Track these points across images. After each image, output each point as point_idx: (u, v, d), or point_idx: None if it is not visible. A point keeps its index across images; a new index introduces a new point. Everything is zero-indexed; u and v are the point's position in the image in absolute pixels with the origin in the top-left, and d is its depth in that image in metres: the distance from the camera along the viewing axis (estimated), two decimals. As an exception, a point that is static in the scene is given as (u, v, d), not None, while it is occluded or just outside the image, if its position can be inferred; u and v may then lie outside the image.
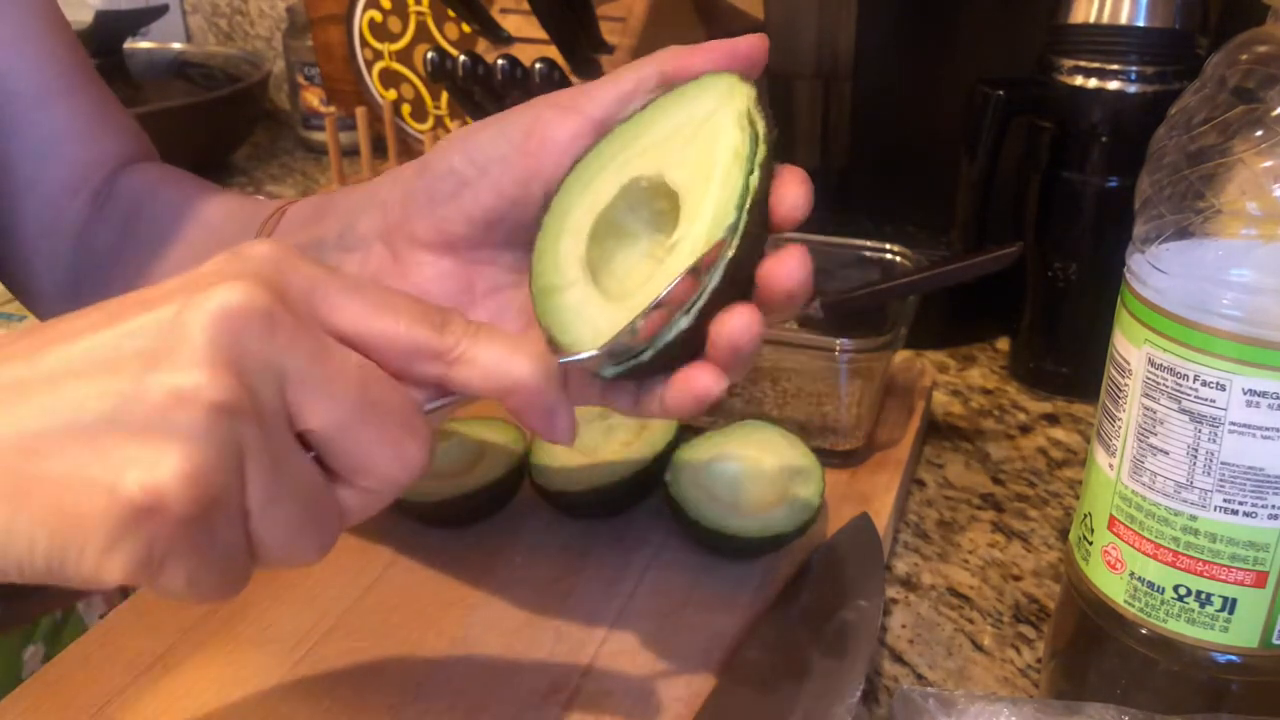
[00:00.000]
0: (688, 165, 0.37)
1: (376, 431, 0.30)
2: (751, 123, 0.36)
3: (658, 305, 0.34)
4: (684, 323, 0.34)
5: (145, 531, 0.26)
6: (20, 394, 0.27)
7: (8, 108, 0.52)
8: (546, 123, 0.38)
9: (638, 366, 0.35)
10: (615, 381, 0.36)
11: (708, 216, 0.35)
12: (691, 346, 0.35)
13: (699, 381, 0.35)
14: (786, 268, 0.34)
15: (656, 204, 0.38)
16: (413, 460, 0.31)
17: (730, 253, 0.34)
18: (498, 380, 0.32)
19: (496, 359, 0.32)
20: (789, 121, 0.84)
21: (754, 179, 0.35)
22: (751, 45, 0.37)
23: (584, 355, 0.35)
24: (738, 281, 0.35)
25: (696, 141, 0.37)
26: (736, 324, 0.34)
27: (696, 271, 0.34)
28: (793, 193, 0.35)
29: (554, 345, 0.36)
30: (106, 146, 0.56)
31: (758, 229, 0.35)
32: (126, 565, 0.27)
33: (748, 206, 0.34)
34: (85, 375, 0.27)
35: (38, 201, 0.54)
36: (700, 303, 0.34)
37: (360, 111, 1.06)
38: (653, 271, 0.36)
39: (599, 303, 0.36)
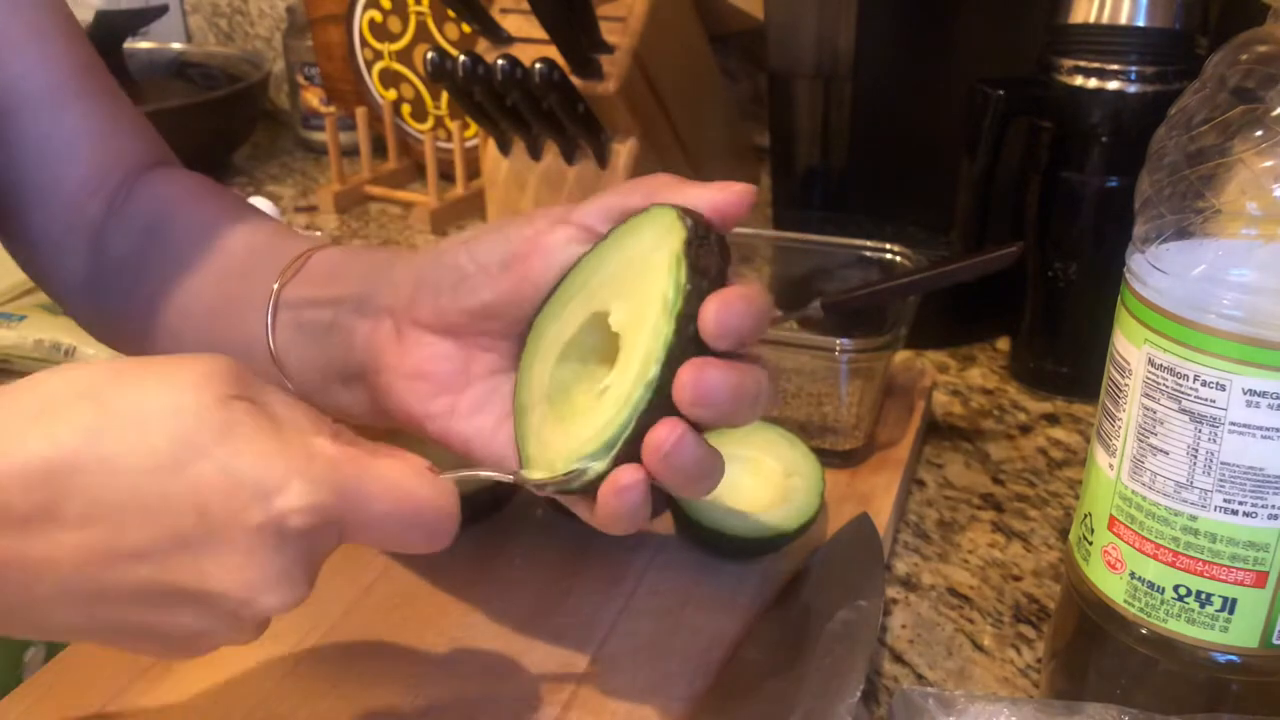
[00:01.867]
0: (630, 303, 0.39)
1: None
2: (680, 267, 0.37)
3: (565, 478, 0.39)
4: (600, 467, 0.38)
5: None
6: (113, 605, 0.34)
7: (26, 111, 0.52)
8: (541, 231, 0.41)
9: (567, 492, 0.39)
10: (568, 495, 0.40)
11: (633, 370, 0.37)
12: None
13: (621, 479, 0.38)
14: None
15: (609, 336, 0.40)
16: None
17: (643, 406, 0.37)
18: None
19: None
20: (789, 121, 0.84)
21: (673, 332, 0.36)
22: (729, 200, 0.39)
23: (468, 474, 0.40)
24: (651, 424, 0.37)
25: (641, 279, 0.38)
26: (658, 434, 0.37)
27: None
28: (722, 320, 0.36)
29: (520, 456, 0.41)
30: (123, 146, 0.56)
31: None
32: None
33: (664, 360, 0.36)
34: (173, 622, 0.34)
35: (60, 203, 0.54)
36: (615, 451, 0.37)
37: (360, 111, 1.06)
38: (591, 404, 0.40)
39: (552, 424, 0.40)
